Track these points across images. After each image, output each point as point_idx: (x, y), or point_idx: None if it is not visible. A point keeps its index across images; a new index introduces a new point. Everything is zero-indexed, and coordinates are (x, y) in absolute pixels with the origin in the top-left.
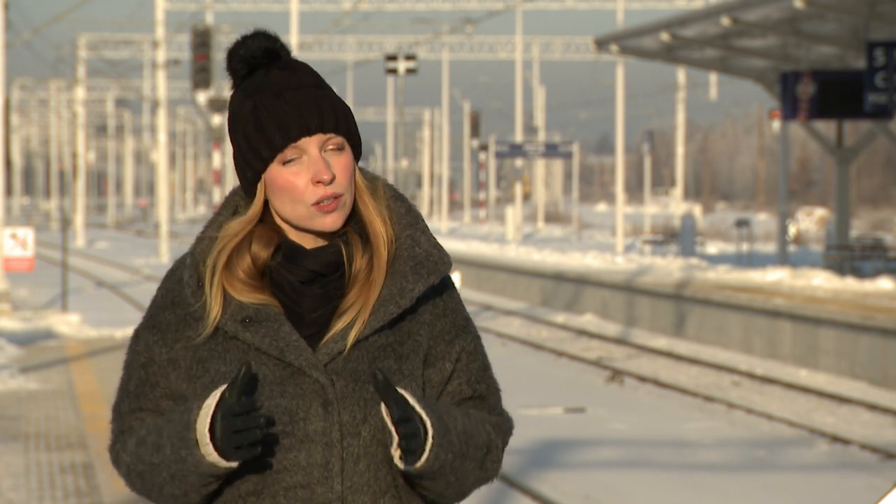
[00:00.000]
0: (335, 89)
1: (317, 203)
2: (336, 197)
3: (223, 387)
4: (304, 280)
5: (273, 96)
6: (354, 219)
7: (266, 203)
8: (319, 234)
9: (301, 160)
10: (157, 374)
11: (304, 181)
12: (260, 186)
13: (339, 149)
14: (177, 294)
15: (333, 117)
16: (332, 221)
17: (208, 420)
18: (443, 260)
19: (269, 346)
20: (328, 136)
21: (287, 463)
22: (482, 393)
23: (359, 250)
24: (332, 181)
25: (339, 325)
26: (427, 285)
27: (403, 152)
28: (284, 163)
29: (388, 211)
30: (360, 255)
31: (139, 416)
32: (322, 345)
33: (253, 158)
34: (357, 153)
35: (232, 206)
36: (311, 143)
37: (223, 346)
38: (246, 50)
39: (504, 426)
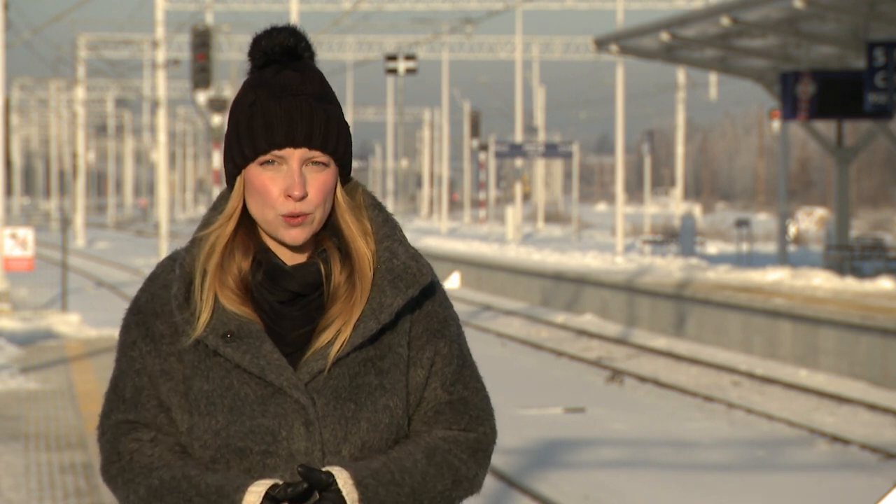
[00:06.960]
0: (335, 89)
1: (285, 215)
2: (303, 215)
3: (261, 487)
4: (284, 300)
5: (273, 97)
6: (334, 233)
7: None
8: (290, 246)
9: (280, 168)
10: (151, 383)
11: (278, 190)
12: (239, 181)
13: (322, 166)
14: (165, 301)
15: (323, 134)
16: (294, 236)
17: None
18: (421, 272)
19: (250, 363)
20: (314, 152)
21: None
22: (461, 395)
23: (337, 266)
24: (302, 198)
25: (319, 343)
26: (406, 299)
27: (403, 152)
28: (263, 164)
29: (369, 222)
30: (339, 271)
31: (137, 437)
32: (303, 363)
33: (237, 153)
34: (346, 173)
35: (220, 209)
36: (293, 155)
37: (206, 364)
38: (268, 42)
39: (484, 443)
